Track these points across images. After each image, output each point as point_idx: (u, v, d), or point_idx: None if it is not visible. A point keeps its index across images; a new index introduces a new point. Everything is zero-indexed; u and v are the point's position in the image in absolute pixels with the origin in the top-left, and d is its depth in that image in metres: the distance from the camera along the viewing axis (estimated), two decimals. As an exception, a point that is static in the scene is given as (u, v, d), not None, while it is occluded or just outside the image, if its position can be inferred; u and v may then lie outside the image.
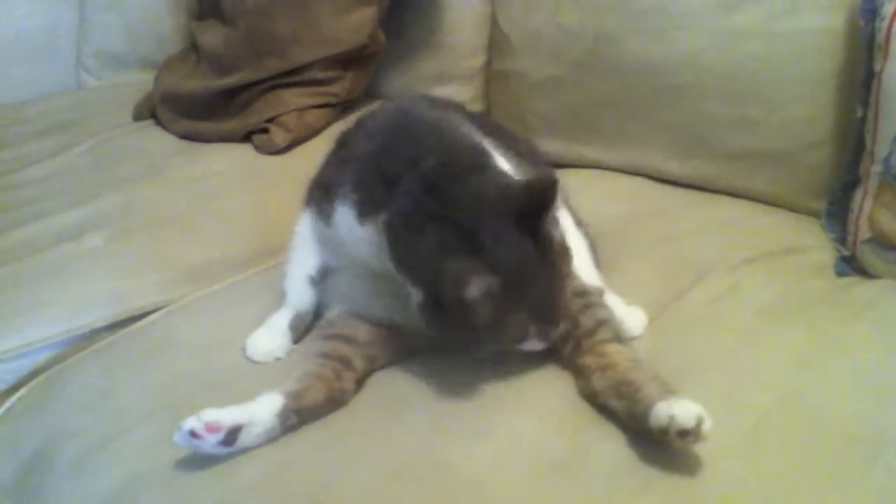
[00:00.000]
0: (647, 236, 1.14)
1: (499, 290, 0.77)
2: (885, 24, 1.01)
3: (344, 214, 0.90)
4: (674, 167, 1.31)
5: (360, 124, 0.99)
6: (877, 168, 1.03)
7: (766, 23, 1.17)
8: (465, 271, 0.76)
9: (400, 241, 0.82)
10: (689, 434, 0.70)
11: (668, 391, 0.76)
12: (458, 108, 1.06)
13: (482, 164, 0.85)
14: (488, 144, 0.91)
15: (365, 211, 0.87)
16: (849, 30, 1.11)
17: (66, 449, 0.89)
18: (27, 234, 1.28)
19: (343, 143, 1.00)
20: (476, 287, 0.76)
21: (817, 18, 1.14)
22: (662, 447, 0.74)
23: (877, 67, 1.03)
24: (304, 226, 1.01)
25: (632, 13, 1.29)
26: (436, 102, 1.03)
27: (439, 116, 0.95)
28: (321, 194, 0.96)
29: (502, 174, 0.85)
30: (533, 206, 0.79)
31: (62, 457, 0.89)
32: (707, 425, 0.70)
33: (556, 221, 0.85)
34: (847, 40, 1.12)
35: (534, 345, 0.83)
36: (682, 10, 1.24)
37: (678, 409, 0.71)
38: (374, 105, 1.04)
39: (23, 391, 1.03)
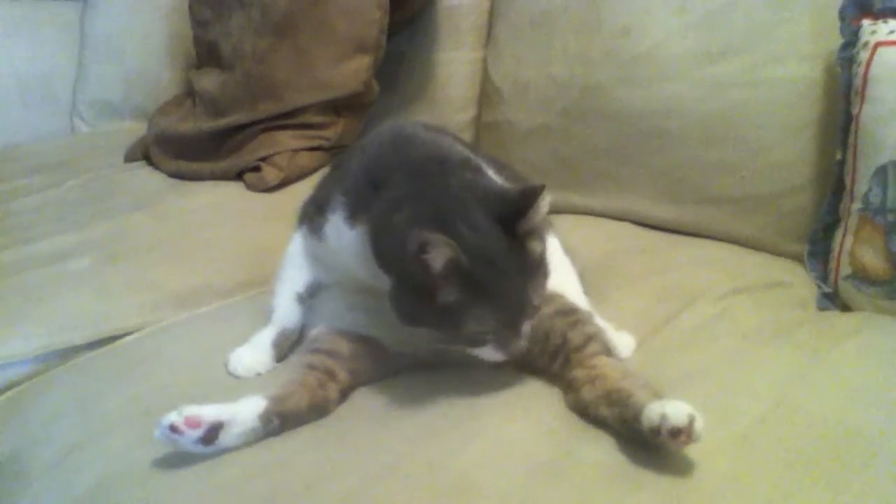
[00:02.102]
0: (632, 270, 1.15)
1: (466, 270, 0.75)
2: (861, 70, 1.06)
3: (334, 222, 0.91)
4: (659, 212, 1.34)
5: (355, 145, 1.02)
6: (856, 205, 1.06)
7: (749, 72, 1.22)
8: (430, 238, 0.74)
9: (381, 227, 0.83)
10: (682, 433, 0.70)
11: (659, 396, 0.76)
12: (452, 134, 1.09)
13: (472, 168, 0.87)
14: (480, 161, 0.94)
15: (354, 213, 0.88)
16: (826, 78, 1.16)
17: (40, 453, 0.87)
18: (13, 256, 1.28)
19: (339, 164, 1.03)
20: (440, 254, 0.74)
21: (797, 68, 1.19)
22: (653, 450, 0.73)
23: (854, 111, 1.07)
24: (296, 245, 1.02)
25: (620, 64, 1.34)
26: (430, 127, 1.06)
27: (433, 136, 0.97)
28: (314, 209, 0.97)
29: (492, 179, 0.86)
30: (519, 208, 0.79)
31: (35, 461, 0.86)
32: (699, 424, 0.70)
33: (542, 237, 0.85)
34: (825, 88, 1.16)
35: (491, 353, 0.82)
36: (668, 61, 1.29)
37: (670, 409, 0.71)
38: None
39: (-3, 402, 1.01)
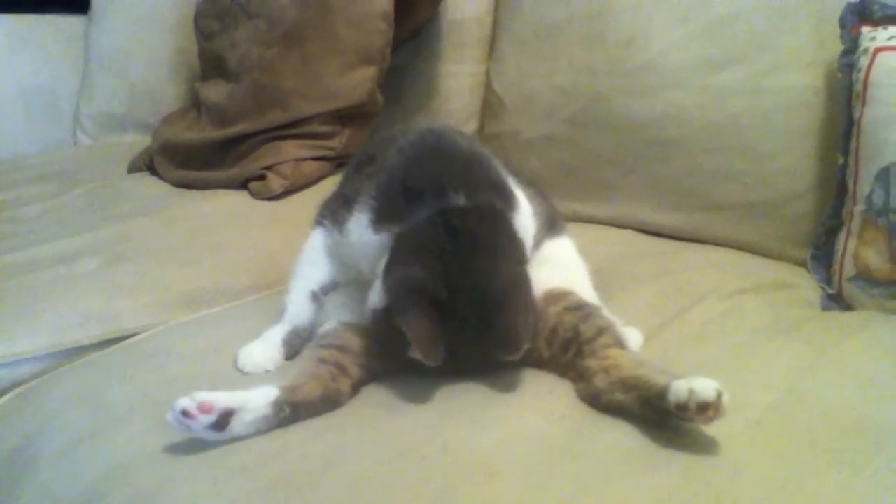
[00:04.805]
0: (638, 271, 1.16)
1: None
2: (861, 75, 1.09)
3: (360, 220, 0.91)
4: (663, 219, 1.36)
5: (390, 141, 0.98)
6: (859, 207, 1.08)
7: (751, 80, 1.25)
8: (436, 338, 0.80)
9: (400, 259, 0.84)
10: (710, 407, 0.70)
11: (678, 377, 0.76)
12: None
13: (508, 232, 0.87)
14: (513, 183, 0.94)
15: (381, 219, 0.88)
16: (827, 86, 1.19)
17: (49, 443, 0.87)
18: (21, 258, 1.27)
19: (370, 158, 0.99)
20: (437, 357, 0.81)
21: (798, 76, 1.22)
22: (670, 433, 0.73)
23: (856, 115, 1.10)
24: (313, 242, 1.01)
25: (624, 73, 1.36)
26: (463, 134, 1.05)
27: (471, 146, 0.96)
28: (340, 203, 0.97)
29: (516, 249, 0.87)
30: (499, 346, 0.82)
31: (46, 449, 0.86)
32: (727, 398, 0.70)
33: None
34: (826, 96, 1.19)
35: None
36: (671, 70, 1.32)
37: (697, 384, 0.71)
38: (402, 125, 1.05)
39: (6, 397, 1.00)
